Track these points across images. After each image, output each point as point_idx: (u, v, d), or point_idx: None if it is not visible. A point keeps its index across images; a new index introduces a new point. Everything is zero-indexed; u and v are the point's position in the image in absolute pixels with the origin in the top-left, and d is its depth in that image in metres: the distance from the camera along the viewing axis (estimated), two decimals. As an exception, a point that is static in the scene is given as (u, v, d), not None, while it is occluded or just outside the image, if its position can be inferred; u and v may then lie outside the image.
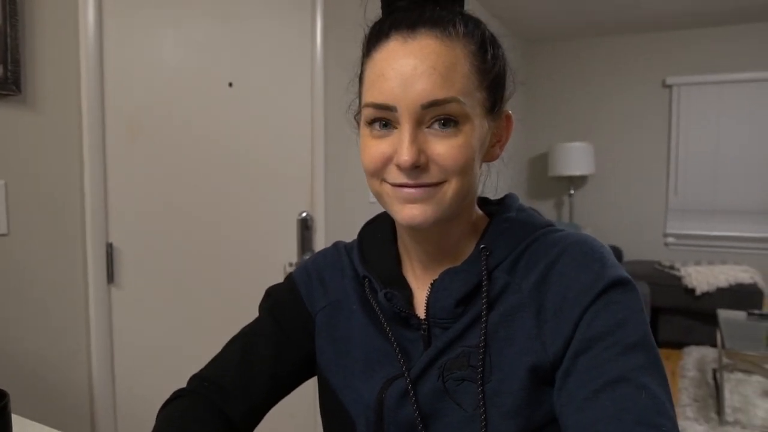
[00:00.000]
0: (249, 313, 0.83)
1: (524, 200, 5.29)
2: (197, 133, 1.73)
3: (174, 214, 1.67)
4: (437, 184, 0.60)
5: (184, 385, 0.75)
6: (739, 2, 4.08)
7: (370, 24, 0.66)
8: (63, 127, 1.38)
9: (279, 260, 2.06)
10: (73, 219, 1.41)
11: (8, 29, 1.24)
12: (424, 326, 0.67)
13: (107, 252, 1.48)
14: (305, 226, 2.14)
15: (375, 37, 0.63)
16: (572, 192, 5.11)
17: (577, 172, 4.84)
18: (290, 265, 2.08)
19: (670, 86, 4.89)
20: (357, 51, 0.68)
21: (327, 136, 2.25)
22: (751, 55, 4.60)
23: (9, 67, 1.25)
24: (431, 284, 0.67)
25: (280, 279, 1.83)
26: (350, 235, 0.81)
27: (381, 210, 0.71)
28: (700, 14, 4.39)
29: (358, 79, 0.67)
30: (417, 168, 0.59)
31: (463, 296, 0.64)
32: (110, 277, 1.50)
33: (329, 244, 0.82)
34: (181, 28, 1.68)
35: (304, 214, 2.13)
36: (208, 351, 0.80)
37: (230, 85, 1.83)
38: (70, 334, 1.42)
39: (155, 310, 1.63)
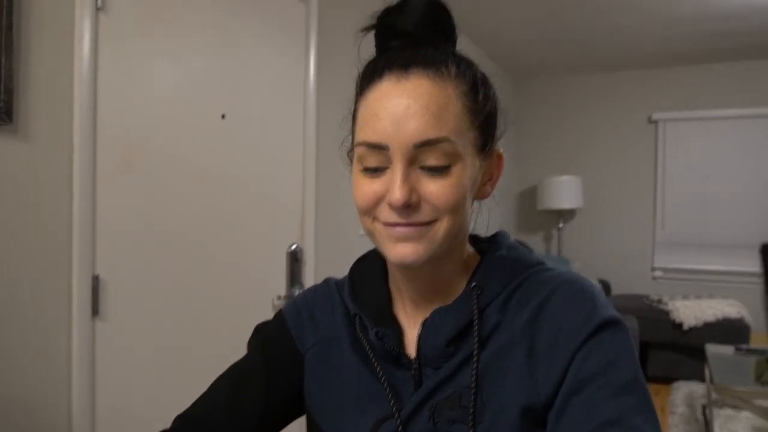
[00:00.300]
0: (237, 348, 0.82)
1: (514, 234, 5.32)
2: (189, 165, 1.73)
3: (163, 246, 1.66)
4: (429, 223, 0.61)
5: (168, 424, 0.73)
6: (721, 42, 4.20)
7: (364, 63, 0.67)
8: (54, 156, 1.38)
9: (268, 293, 2.04)
10: (60, 249, 1.40)
11: (3, 59, 1.25)
12: (414, 366, 0.66)
13: (93, 284, 1.46)
14: (295, 259, 2.13)
15: (368, 76, 0.64)
16: (561, 225, 5.14)
17: (565, 206, 4.88)
18: (279, 298, 2.05)
19: (655, 122, 4.98)
20: (350, 85, 0.68)
21: (318, 169, 2.26)
22: (733, 92, 4.71)
23: (2, 97, 1.25)
24: (422, 323, 0.67)
25: (269, 312, 1.80)
26: (340, 267, 0.80)
27: (372, 244, 0.71)
28: (684, 53, 4.51)
29: (351, 117, 0.67)
30: (409, 207, 0.59)
31: (455, 335, 0.64)
32: (95, 309, 1.47)
33: (319, 277, 0.82)
34: (176, 60, 1.69)
35: (294, 247, 2.12)
36: (194, 388, 0.79)
37: (223, 116, 1.84)
38: (51, 369, 1.38)
39: (140, 345, 1.60)
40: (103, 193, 1.49)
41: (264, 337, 0.77)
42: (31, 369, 1.34)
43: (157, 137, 1.64)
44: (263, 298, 2.03)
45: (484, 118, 0.64)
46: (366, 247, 0.77)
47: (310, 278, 2.18)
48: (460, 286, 0.68)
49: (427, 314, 0.67)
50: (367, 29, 0.67)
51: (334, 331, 0.74)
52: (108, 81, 1.49)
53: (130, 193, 1.57)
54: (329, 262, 2.31)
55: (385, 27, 0.65)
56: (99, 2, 1.45)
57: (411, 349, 0.68)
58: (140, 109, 1.59)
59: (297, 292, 2.08)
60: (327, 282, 0.80)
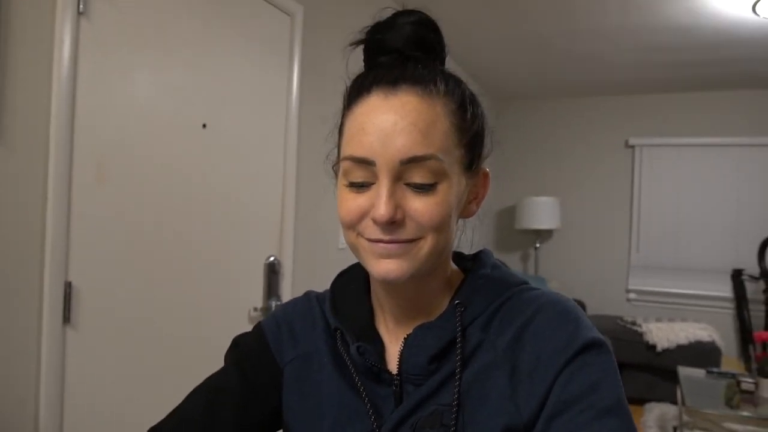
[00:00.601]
0: (213, 359, 0.80)
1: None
2: (168, 173, 1.71)
3: (139, 255, 1.63)
4: (413, 240, 0.60)
5: (140, 438, 0.71)
6: (697, 71, 4.30)
7: (352, 77, 0.66)
8: (29, 162, 1.35)
9: (244, 304, 2.02)
10: (32, 254, 1.36)
11: (-20, 61, 1.22)
12: (395, 382, 0.65)
13: (65, 291, 1.43)
14: (272, 270, 2.11)
15: (356, 91, 0.63)
16: (538, 245, 5.18)
17: (543, 226, 4.92)
18: (255, 309, 2.03)
19: (632, 146, 5.07)
20: (333, 98, 0.68)
21: (299, 181, 2.25)
22: (709, 121, 4.84)
23: (-23, 98, 1.22)
24: (404, 339, 0.66)
25: (245, 323, 1.76)
26: (318, 280, 0.79)
27: (351, 256, 0.70)
28: (661, 81, 4.61)
29: (337, 130, 0.67)
30: (393, 223, 0.59)
31: (437, 352, 0.63)
32: (66, 317, 1.43)
33: (296, 290, 0.80)
34: (158, 68, 1.67)
35: (271, 258, 2.10)
36: (168, 400, 0.77)
37: (204, 126, 1.82)
38: (19, 376, 1.34)
39: (112, 355, 1.56)
40: (79, 200, 1.46)
41: (242, 349, 0.76)
42: (-4, 378, 1.29)
43: (136, 145, 1.62)
44: (239, 310, 2.00)
45: (471, 137, 0.64)
46: (345, 260, 0.77)
47: (288, 291, 2.16)
48: (443, 304, 0.68)
49: (409, 330, 0.66)
50: (355, 44, 0.66)
51: (315, 346, 0.72)
52: (87, 87, 1.47)
53: (107, 200, 1.54)
54: (307, 275, 2.29)
55: (374, 42, 0.65)
56: (81, 7, 1.43)
57: (392, 365, 0.67)
58: (120, 115, 1.57)
59: (274, 304, 2.06)
60: (308, 295, 0.78)
